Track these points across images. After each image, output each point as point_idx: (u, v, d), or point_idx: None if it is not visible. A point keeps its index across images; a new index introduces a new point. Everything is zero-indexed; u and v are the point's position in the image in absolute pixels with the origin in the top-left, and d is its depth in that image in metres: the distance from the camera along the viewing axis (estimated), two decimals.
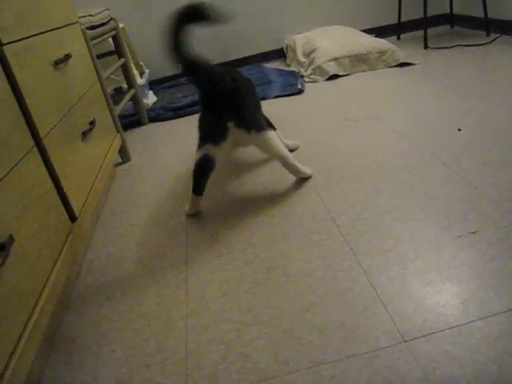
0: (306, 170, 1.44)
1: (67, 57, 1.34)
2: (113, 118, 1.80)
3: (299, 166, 1.42)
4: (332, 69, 2.49)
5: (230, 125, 1.27)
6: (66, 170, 1.15)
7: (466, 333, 0.80)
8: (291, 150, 1.62)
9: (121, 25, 2.35)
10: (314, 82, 2.49)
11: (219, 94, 1.27)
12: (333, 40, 2.66)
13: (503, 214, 1.09)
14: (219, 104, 1.28)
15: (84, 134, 1.35)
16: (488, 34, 2.77)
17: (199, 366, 0.85)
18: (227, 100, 1.27)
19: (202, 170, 1.34)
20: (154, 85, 2.98)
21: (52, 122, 1.13)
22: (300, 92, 2.35)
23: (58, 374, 0.91)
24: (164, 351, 0.90)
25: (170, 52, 1.26)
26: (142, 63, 2.65)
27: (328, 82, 2.45)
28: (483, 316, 0.83)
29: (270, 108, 2.18)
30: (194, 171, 1.35)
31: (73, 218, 1.14)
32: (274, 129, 1.48)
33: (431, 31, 3.19)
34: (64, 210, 1.10)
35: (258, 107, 1.48)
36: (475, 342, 0.78)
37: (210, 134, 1.30)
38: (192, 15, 1.24)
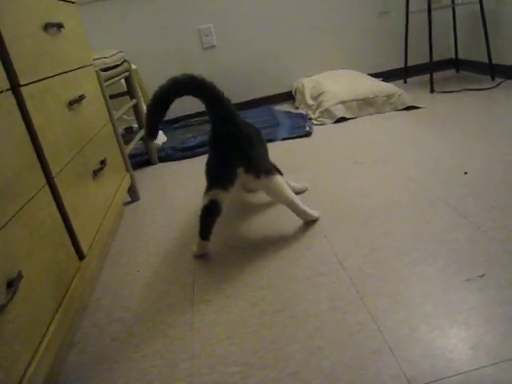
0: (314, 212, 1.44)
1: (81, 97, 1.38)
2: (123, 157, 1.83)
3: (307, 209, 1.42)
4: (340, 112, 2.53)
5: (239, 170, 1.29)
6: (76, 208, 1.16)
7: (475, 379, 0.79)
8: (299, 193, 1.64)
9: (133, 66, 2.42)
10: (322, 124, 2.53)
11: (230, 138, 1.28)
12: (341, 83, 2.71)
13: (511, 258, 1.08)
14: (229, 148, 1.28)
15: (95, 173, 1.37)
16: (493, 79, 2.82)
17: None
18: (237, 145, 1.28)
19: (209, 215, 1.34)
20: (164, 125, 3.03)
21: (64, 161, 1.15)
22: (308, 134, 2.38)
23: None
24: None
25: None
26: None
27: (336, 125, 2.49)
28: (493, 362, 0.81)
29: (277, 150, 2.22)
30: (200, 216, 1.35)
31: (81, 255, 1.15)
32: (281, 174, 1.47)
33: (437, 75, 3.25)
34: (72, 247, 1.10)
35: (266, 153, 1.50)
36: None
37: (218, 178, 1.30)
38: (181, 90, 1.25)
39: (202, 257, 1.37)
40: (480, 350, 0.85)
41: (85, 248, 1.17)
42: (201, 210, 1.34)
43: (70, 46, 1.41)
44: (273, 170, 1.36)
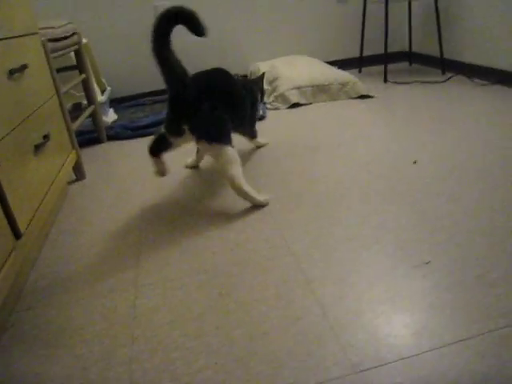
0: (260, 197, 1.43)
1: (23, 67, 1.29)
2: (69, 133, 1.74)
3: (252, 192, 1.41)
4: (294, 97, 2.52)
5: (185, 127, 1.37)
6: (13, 184, 1.09)
7: (418, 364, 0.79)
8: (260, 146, 1.92)
9: (84, 40, 2.31)
10: (276, 109, 2.51)
11: (180, 100, 1.37)
12: (296, 69, 2.70)
13: (455, 246, 1.11)
14: (179, 108, 1.38)
15: (36, 148, 1.30)
16: (443, 73, 2.90)
17: None
18: (185, 107, 1.37)
19: (158, 143, 1.47)
20: (115, 103, 2.93)
21: (1, 133, 1.07)
22: (262, 118, 2.36)
23: None
24: (106, 381, 0.84)
25: (153, 49, 1.33)
26: (104, 80, 2.60)
27: (289, 110, 2.48)
28: (435, 347, 0.83)
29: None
30: (153, 139, 1.49)
31: (17, 234, 1.08)
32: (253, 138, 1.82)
33: (391, 67, 3.29)
34: (8, 225, 1.04)
35: (228, 117, 1.45)
36: (427, 373, 0.77)
37: (169, 128, 1.42)
38: (178, 18, 1.32)
39: (145, 237, 1.33)
40: (423, 335, 0.86)
41: (22, 227, 1.10)
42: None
43: (11, 10, 1.32)
44: (224, 139, 1.39)
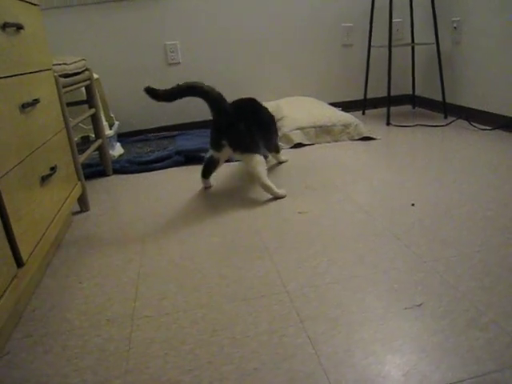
0: (280, 191, 1.83)
1: (35, 101, 1.35)
2: (76, 166, 1.79)
3: (273, 186, 1.81)
4: (297, 137, 2.58)
5: (225, 142, 1.82)
6: (19, 213, 1.13)
7: None
8: (282, 162, 2.30)
9: (96, 76, 2.39)
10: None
11: (222, 121, 1.81)
12: (300, 110, 2.76)
13: (448, 289, 1.12)
14: (221, 127, 1.83)
15: (43, 179, 1.34)
16: (446, 117, 2.95)
17: None
18: (226, 126, 1.81)
19: (207, 165, 1.98)
20: (123, 137, 3.00)
21: (10, 164, 1.12)
22: (265, 158, 2.39)
23: None
24: None
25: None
26: (112, 115, 2.68)
27: (292, 150, 2.53)
28: None
29: (233, 171, 2.23)
30: (203, 165, 2.00)
31: (20, 263, 1.11)
32: (278, 151, 2.24)
33: (394, 110, 3.36)
34: (11, 253, 1.07)
35: (266, 136, 1.99)
36: None
37: (213, 144, 1.89)
38: (206, 96, 1.79)
39: (145, 271, 1.35)
40: (412, 377, 0.86)
41: (24, 255, 1.13)
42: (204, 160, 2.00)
43: (28, 48, 1.39)
44: (254, 149, 1.81)
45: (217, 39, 3.11)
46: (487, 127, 2.61)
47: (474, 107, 2.80)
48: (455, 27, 2.85)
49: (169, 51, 3.07)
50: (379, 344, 0.96)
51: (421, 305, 1.07)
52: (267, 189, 1.81)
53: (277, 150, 2.25)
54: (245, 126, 1.80)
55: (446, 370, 0.87)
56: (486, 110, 2.70)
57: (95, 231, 1.67)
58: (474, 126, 2.66)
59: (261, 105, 2.05)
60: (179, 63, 3.11)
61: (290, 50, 3.26)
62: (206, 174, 2.01)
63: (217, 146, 1.86)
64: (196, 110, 3.13)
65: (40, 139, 1.39)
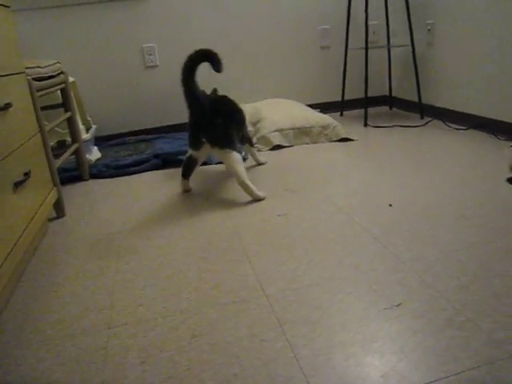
0: (260, 193, 1.82)
1: (7, 106, 1.32)
2: (51, 171, 1.76)
3: (254, 188, 1.80)
4: (276, 139, 2.57)
5: (203, 139, 1.82)
6: None
7: None
8: (260, 164, 2.29)
9: (71, 79, 2.35)
10: (258, 151, 2.54)
11: (200, 118, 1.82)
12: (279, 112, 2.76)
13: (426, 288, 1.13)
14: (199, 124, 1.83)
15: (16, 185, 1.31)
16: (422, 118, 2.99)
17: None
18: (204, 123, 1.81)
19: (187, 164, 1.96)
20: (100, 141, 2.95)
21: None
22: (243, 160, 2.38)
23: None
24: None
25: (182, 80, 1.79)
26: (89, 118, 2.64)
27: (271, 152, 2.52)
28: None
29: (212, 173, 2.22)
30: (183, 163, 1.98)
31: None
32: (252, 144, 2.24)
33: (372, 110, 3.39)
34: None
35: (238, 129, 2.00)
36: None
37: (192, 142, 1.89)
38: (204, 56, 1.78)
39: (121, 277, 1.33)
40: (391, 378, 0.86)
41: None
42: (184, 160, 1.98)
43: None
44: (231, 145, 1.81)
45: (194, 42, 3.09)
46: (462, 127, 2.65)
47: (448, 108, 2.84)
48: (429, 29, 2.89)
49: (146, 54, 3.04)
50: (359, 346, 0.96)
51: (400, 305, 1.08)
52: (246, 188, 1.80)
53: (250, 142, 2.23)
54: (222, 122, 1.81)
55: (424, 369, 0.88)
56: (460, 110, 2.74)
57: (71, 237, 1.64)
58: (449, 126, 2.70)
59: (231, 100, 2.07)
60: (157, 66, 3.08)
61: (268, 51, 3.26)
62: (186, 174, 1.99)
63: (196, 144, 1.87)
64: (175, 112, 3.11)
65: (13, 144, 1.36)
